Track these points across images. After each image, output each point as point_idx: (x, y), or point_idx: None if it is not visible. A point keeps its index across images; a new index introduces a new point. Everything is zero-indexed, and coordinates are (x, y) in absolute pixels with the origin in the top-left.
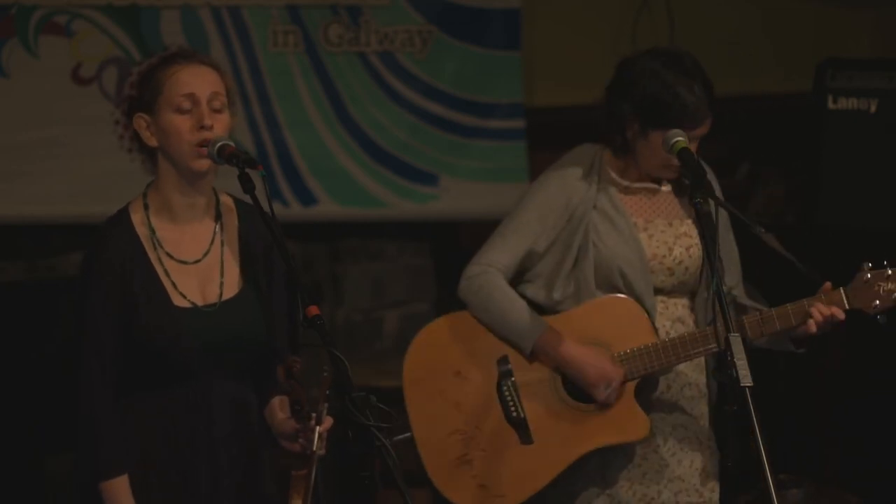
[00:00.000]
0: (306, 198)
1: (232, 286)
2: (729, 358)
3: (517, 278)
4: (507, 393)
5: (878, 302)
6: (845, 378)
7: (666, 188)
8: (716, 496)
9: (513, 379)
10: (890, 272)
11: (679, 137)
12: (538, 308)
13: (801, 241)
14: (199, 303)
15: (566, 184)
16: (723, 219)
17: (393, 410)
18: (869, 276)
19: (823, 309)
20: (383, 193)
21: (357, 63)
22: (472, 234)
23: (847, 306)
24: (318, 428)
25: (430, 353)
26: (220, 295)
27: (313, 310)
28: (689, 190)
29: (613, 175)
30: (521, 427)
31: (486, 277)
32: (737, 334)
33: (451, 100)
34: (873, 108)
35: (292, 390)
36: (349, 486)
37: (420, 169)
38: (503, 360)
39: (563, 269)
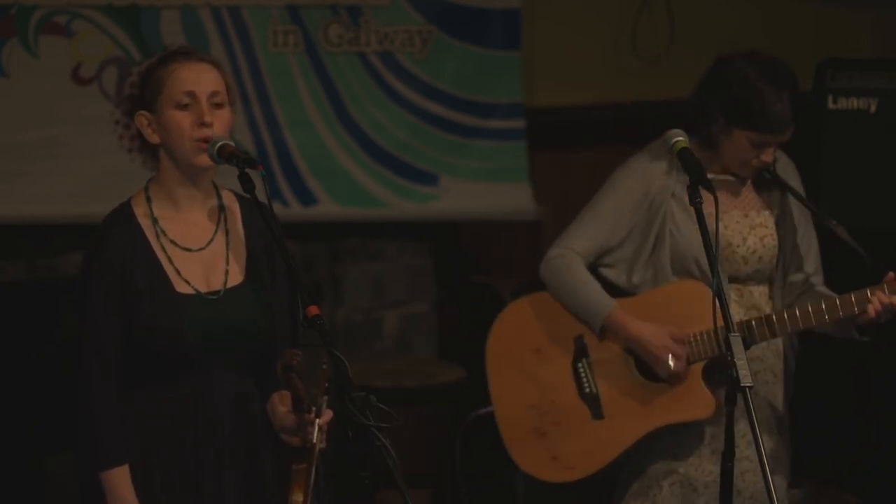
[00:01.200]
0: (306, 198)
1: (235, 276)
2: (729, 358)
3: (599, 261)
4: (581, 370)
5: None
6: (845, 379)
7: (747, 182)
8: (778, 479)
9: (588, 357)
10: None
11: (679, 138)
12: (618, 291)
13: (826, 239)
14: (203, 290)
15: (646, 173)
16: (801, 211)
17: (393, 410)
18: None
19: (883, 297)
20: (383, 193)
21: (357, 63)
22: (472, 234)
23: None
24: (317, 421)
25: (513, 329)
26: (225, 282)
27: (313, 310)
28: (689, 189)
29: None
30: (592, 403)
31: (564, 260)
32: (737, 334)
33: (451, 100)
34: (873, 108)
35: (291, 383)
36: (349, 486)
37: (420, 169)
38: (579, 339)
39: (643, 256)
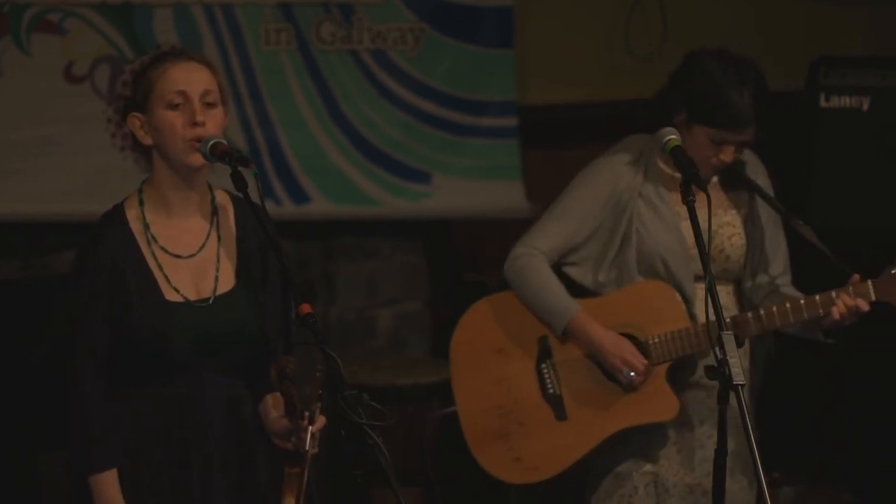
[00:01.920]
0: (299, 196)
1: (226, 281)
2: (721, 356)
3: (564, 260)
4: (545, 371)
5: None
6: (839, 377)
7: (713, 180)
8: (743, 479)
9: (551, 358)
10: None
11: (671, 136)
12: (583, 290)
13: (795, 240)
14: (192, 297)
15: (613, 172)
16: (770, 211)
17: (386, 409)
18: None
19: (848, 300)
20: (376, 192)
21: (349, 61)
22: (465, 232)
23: (873, 298)
24: (310, 427)
25: (477, 330)
26: (215, 290)
27: (306, 308)
28: (681, 187)
29: (661, 165)
30: (556, 404)
31: (528, 259)
32: (729, 332)
33: (443, 98)
34: (865, 107)
35: (285, 390)
36: (342, 485)
37: (413, 167)
38: (543, 340)
39: (609, 255)
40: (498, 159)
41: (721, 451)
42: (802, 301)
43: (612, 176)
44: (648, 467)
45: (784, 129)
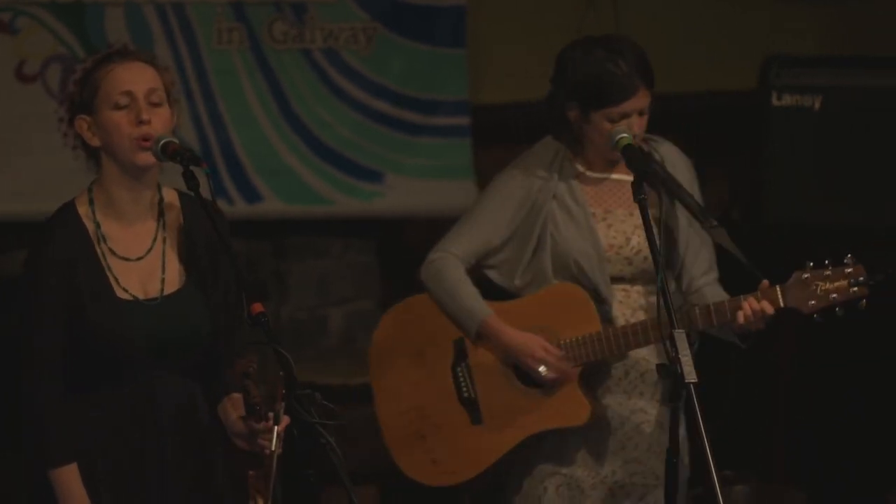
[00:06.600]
0: (251, 195)
1: (173, 282)
2: (673, 354)
3: (484, 262)
4: (460, 373)
5: (813, 302)
6: (791, 375)
7: (630, 178)
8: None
9: (467, 360)
10: (829, 272)
11: (623, 134)
12: (504, 293)
13: (747, 239)
14: (141, 297)
15: (527, 175)
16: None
17: (338, 408)
18: (807, 275)
19: (753, 304)
20: (328, 191)
21: (302, 60)
22: (418, 231)
23: (781, 304)
24: (276, 428)
25: (396, 331)
26: (162, 290)
27: (257, 307)
28: (633, 185)
29: (577, 166)
30: (471, 407)
31: (442, 263)
32: (681, 330)
33: (395, 97)
34: (817, 105)
35: (249, 391)
36: (294, 484)
37: (365, 166)
38: (459, 342)
39: (524, 259)
40: (450, 159)
41: (672, 451)
42: (712, 306)
43: (526, 180)
44: (561, 469)
45: (736, 128)
